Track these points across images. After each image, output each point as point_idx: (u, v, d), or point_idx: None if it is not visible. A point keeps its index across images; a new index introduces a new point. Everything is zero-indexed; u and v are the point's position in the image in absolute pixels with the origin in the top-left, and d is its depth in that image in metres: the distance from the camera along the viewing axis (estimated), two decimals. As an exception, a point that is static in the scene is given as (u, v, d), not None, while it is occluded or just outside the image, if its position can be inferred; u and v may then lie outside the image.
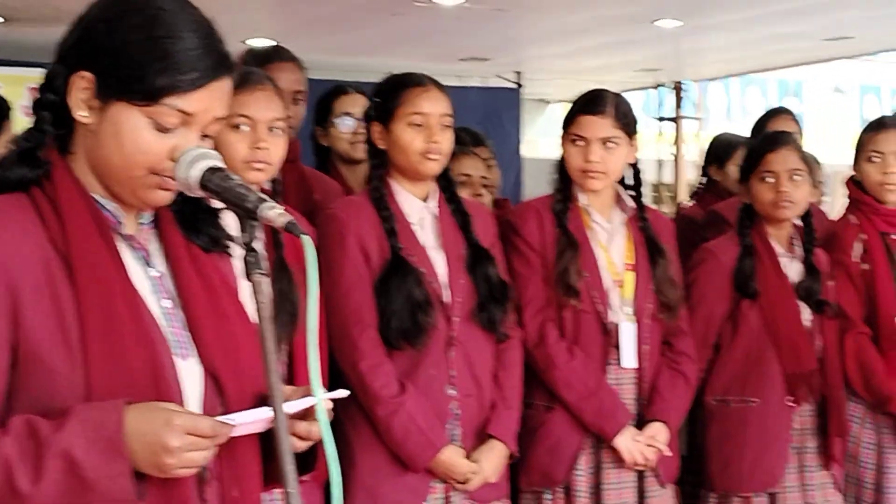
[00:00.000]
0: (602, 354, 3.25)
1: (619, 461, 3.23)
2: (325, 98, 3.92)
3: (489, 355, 3.11)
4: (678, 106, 8.98)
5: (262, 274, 1.53)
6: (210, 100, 1.58)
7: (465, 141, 4.16)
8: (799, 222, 3.81)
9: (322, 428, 1.53)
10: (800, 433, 3.50)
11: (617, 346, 3.25)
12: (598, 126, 3.20)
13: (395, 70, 3.40)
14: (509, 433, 3.09)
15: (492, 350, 3.12)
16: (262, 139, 2.64)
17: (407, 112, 2.93)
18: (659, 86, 8.97)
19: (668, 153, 9.07)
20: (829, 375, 3.53)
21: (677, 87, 8.89)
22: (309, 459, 1.74)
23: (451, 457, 2.94)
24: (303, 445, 1.68)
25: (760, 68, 9.18)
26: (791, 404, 3.48)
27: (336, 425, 2.84)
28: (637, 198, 3.38)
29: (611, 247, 3.29)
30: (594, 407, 3.19)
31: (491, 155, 4.35)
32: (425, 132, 2.92)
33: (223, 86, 1.60)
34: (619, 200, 3.30)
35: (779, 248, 3.56)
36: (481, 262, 3.06)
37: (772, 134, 3.84)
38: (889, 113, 4.75)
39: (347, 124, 3.78)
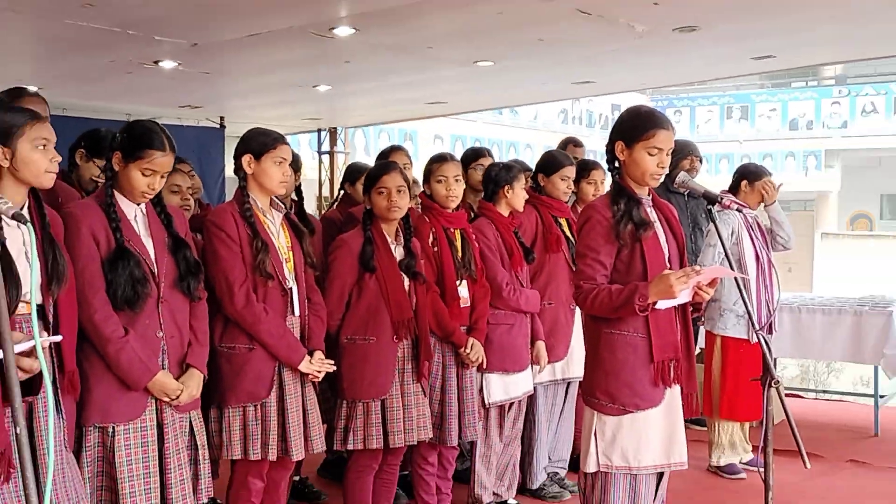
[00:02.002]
0: (283, 308, 3.74)
1: (294, 379, 3.75)
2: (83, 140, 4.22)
3: (186, 310, 3.47)
4: (333, 144, 9.76)
5: None
6: None
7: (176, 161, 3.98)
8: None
9: (41, 361, 1.68)
10: (401, 360, 4.18)
11: (291, 302, 3.78)
12: (287, 153, 3.82)
13: (130, 111, 4.04)
14: (202, 363, 3.50)
15: (188, 306, 3.48)
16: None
17: (143, 161, 3.29)
18: (320, 130, 9.72)
19: (326, 177, 9.93)
20: (420, 321, 4.21)
21: (332, 131, 9.64)
22: (35, 384, 1.93)
23: (164, 379, 3.32)
24: (23, 375, 1.82)
25: (388, 120, 10.09)
26: (396, 341, 4.16)
27: (78, 363, 3.18)
28: (299, 202, 4.19)
29: (279, 236, 3.80)
30: (285, 345, 3.72)
31: (191, 168, 4.79)
32: (151, 177, 3.31)
33: None
34: (273, 204, 3.85)
35: (389, 238, 4.17)
36: (180, 247, 3.43)
37: (385, 162, 4.47)
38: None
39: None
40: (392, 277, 4.14)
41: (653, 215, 3.43)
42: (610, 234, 3.31)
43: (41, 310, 2.88)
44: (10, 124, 2.90)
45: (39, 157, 2.92)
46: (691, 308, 3.43)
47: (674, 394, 3.42)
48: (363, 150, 11.84)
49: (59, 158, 3.01)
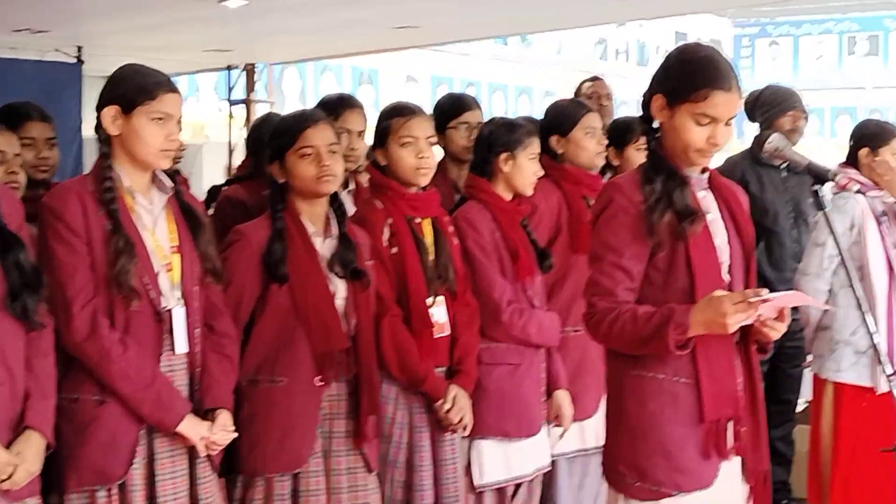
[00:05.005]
0: (156, 342, 2.65)
1: (172, 450, 2.66)
2: None
3: (22, 344, 2.49)
4: (249, 89, 7.53)
5: None
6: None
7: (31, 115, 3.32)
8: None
9: None
10: (328, 416, 2.92)
11: (171, 332, 2.68)
12: (175, 105, 2.69)
13: None
14: (47, 423, 2.51)
15: (24, 338, 2.49)
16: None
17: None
18: (231, 67, 7.41)
19: (240, 137, 7.21)
20: (363, 355, 2.94)
21: (249, 70, 7.47)
22: None
23: None
24: None
25: (334, 54, 7.96)
26: (320, 384, 2.86)
27: None
28: (173, 176, 2.74)
29: (156, 230, 2.66)
30: (152, 398, 2.65)
31: (52, 133, 3.44)
32: None
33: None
34: (156, 181, 2.65)
35: (312, 228, 2.92)
36: (12, 248, 2.45)
37: (306, 111, 3.20)
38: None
39: None
40: (314, 288, 2.89)
41: (708, 202, 2.43)
42: (639, 227, 2.36)
43: None
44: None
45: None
46: (755, 346, 2.44)
47: (732, 470, 2.46)
48: (297, 99, 8.94)
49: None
